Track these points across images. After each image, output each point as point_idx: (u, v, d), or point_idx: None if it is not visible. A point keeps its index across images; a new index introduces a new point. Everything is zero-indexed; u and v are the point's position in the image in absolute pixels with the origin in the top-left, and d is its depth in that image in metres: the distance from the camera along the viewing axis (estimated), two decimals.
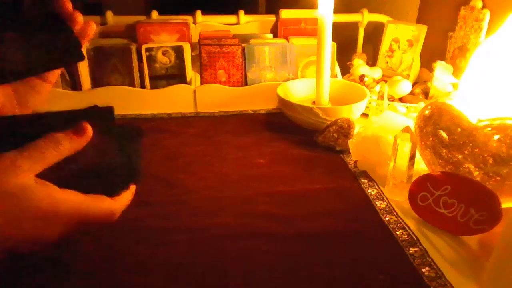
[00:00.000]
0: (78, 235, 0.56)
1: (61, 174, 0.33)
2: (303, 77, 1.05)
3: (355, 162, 0.76)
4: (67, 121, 0.34)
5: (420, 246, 0.55)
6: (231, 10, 1.15)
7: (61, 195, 0.33)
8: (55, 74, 0.39)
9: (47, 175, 0.32)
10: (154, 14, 1.11)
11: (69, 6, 0.37)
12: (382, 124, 0.75)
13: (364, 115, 0.94)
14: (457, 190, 0.56)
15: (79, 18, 0.38)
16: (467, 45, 0.99)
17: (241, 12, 1.13)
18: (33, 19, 0.35)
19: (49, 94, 0.40)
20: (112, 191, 0.37)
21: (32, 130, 0.33)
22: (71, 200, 0.33)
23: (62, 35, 0.36)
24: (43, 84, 0.39)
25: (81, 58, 0.38)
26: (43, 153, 0.32)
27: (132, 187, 0.40)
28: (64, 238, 0.35)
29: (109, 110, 0.38)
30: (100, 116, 0.37)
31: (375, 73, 1.06)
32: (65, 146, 0.33)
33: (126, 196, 0.39)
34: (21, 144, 0.32)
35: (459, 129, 0.62)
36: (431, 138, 0.65)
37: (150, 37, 1.04)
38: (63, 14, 0.37)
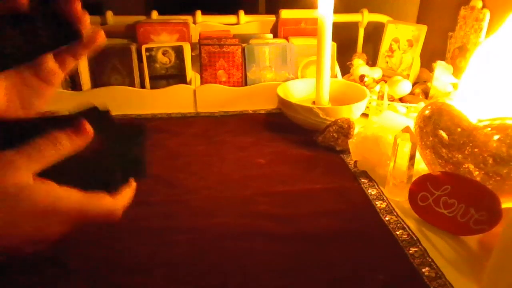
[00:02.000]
0: (78, 235, 0.57)
1: (60, 172, 0.33)
2: (303, 77, 1.05)
3: (355, 162, 0.75)
4: (66, 122, 0.33)
5: (420, 246, 0.55)
6: (231, 10, 1.15)
7: (61, 192, 0.32)
8: (58, 76, 0.39)
9: (46, 173, 0.32)
10: (154, 14, 1.11)
11: (78, 6, 0.36)
12: (382, 124, 0.75)
13: (364, 115, 0.94)
14: (457, 190, 0.56)
15: (87, 21, 0.37)
16: (467, 45, 0.99)
17: (241, 12, 1.13)
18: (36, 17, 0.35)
19: (52, 96, 0.39)
20: (112, 188, 0.37)
21: (31, 131, 0.32)
22: (71, 198, 0.33)
23: (63, 28, 0.36)
24: (46, 87, 0.39)
25: (78, 36, 0.37)
26: (42, 152, 0.31)
27: (133, 185, 0.40)
28: (64, 237, 0.34)
29: (106, 111, 0.37)
30: (99, 116, 0.37)
31: (375, 73, 1.06)
32: (64, 145, 0.32)
33: (127, 194, 0.38)
34: (20, 144, 0.31)
35: (459, 129, 0.62)
36: (431, 138, 0.65)
37: (150, 37, 1.04)
38: (71, 15, 0.36)
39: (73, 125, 0.33)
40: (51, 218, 0.32)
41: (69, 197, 0.33)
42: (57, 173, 0.33)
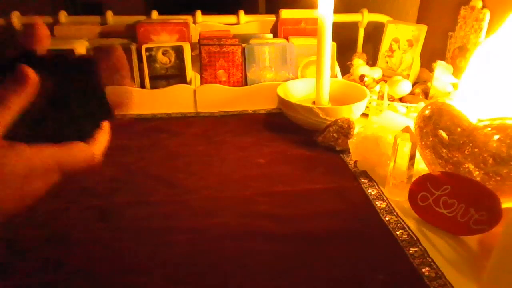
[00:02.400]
0: (78, 234, 0.57)
1: (28, 131, 0.33)
2: (303, 77, 1.05)
3: (355, 162, 0.75)
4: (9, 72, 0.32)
5: (420, 246, 0.55)
6: (231, 10, 1.15)
7: (32, 150, 0.32)
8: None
9: (14, 135, 0.32)
10: (154, 14, 1.11)
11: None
12: (382, 124, 0.75)
13: (364, 115, 0.94)
14: (457, 190, 0.56)
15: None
16: (467, 45, 0.99)
17: (241, 12, 1.13)
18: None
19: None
20: (84, 136, 0.37)
21: None
22: (45, 153, 0.33)
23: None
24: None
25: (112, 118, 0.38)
26: None
27: (106, 126, 0.39)
28: (52, 188, 0.35)
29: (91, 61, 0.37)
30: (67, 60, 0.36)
31: (375, 73, 1.06)
32: (13, 101, 0.31)
33: (103, 136, 0.38)
34: None
35: (459, 129, 0.62)
36: (431, 138, 0.65)
37: (150, 37, 1.04)
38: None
39: (16, 77, 0.32)
40: (30, 177, 0.32)
41: (41, 153, 0.33)
42: (25, 134, 0.32)
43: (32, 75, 0.32)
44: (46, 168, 0.33)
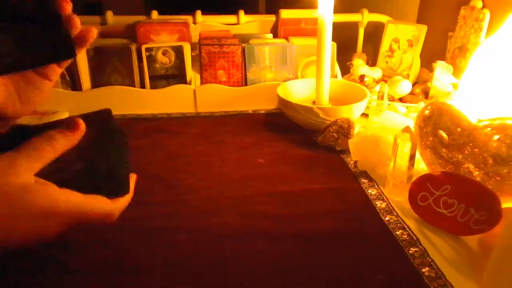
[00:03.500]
0: (77, 234, 0.57)
1: (61, 176, 0.34)
2: (303, 77, 1.05)
3: (355, 162, 0.76)
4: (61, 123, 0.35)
5: (420, 246, 0.55)
6: (231, 10, 1.15)
7: (61, 194, 0.33)
8: (56, 72, 0.39)
9: (48, 176, 0.33)
10: (154, 14, 1.11)
11: (68, 7, 0.37)
12: (382, 124, 0.75)
13: (364, 115, 0.94)
14: (457, 190, 0.56)
15: (77, 22, 0.38)
16: (467, 45, 0.99)
17: (241, 12, 1.13)
18: (24, 12, 0.35)
19: (50, 92, 0.40)
20: (111, 193, 0.37)
21: (29, 133, 0.33)
22: (71, 200, 0.34)
23: (54, 31, 0.36)
24: (43, 81, 0.39)
25: (72, 55, 0.38)
26: (39, 150, 0.32)
27: (132, 185, 0.40)
28: (62, 236, 0.35)
29: (107, 112, 0.38)
30: (99, 117, 0.37)
31: (375, 73, 1.06)
32: (59, 141, 0.33)
33: (125, 197, 0.39)
34: (19, 145, 0.32)
35: (459, 129, 0.62)
36: (431, 138, 0.65)
37: (150, 37, 1.04)
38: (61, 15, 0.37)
39: (66, 123, 0.34)
40: (49, 218, 0.33)
41: (68, 198, 0.34)
42: (58, 177, 0.33)
43: (82, 125, 0.35)
44: (66, 215, 0.34)
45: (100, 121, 0.37)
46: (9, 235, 0.32)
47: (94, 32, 0.39)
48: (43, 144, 0.33)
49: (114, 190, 0.38)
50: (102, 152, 0.37)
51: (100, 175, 0.37)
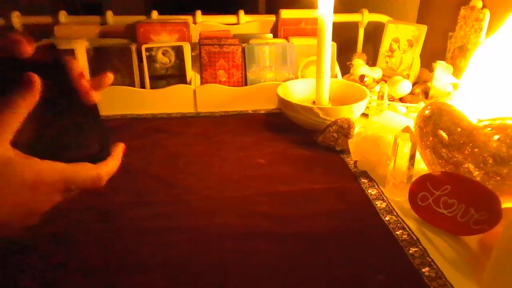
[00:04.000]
0: (78, 234, 0.57)
1: (40, 148, 0.34)
2: (303, 77, 1.05)
3: (355, 162, 0.76)
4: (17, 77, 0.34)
5: (420, 246, 0.55)
6: (231, 10, 1.15)
7: (43, 165, 0.33)
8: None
9: (27, 151, 0.33)
10: (154, 14, 1.11)
11: (84, 82, 0.37)
12: (382, 124, 0.75)
13: (364, 115, 0.94)
14: (457, 190, 0.56)
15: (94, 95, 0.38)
16: (467, 45, 0.99)
17: (241, 12, 1.13)
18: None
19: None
20: (94, 159, 0.38)
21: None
22: (54, 169, 0.34)
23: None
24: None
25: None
26: (3, 120, 0.32)
27: (119, 151, 0.40)
28: (57, 206, 0.35)
29: (54, 52, 0.37)
30: (51, 65, 0.36)
31: (375, 73, 1.06)
32: (20, 104, 0.33)
33: (113, 161, 0.39)
34: None
35: (459, 129, 0.62)
36: (431, 138, 0.65)
37: (150, 37, 1.04)
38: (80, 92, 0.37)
39: (23, 83, 0.33)
40: (37, 191, 0.33)
41: (53, 168, 0.34)
42: (39, 149, 0.33)
43: (37, 80, 0.33)
44: (53, 183, 0.34)
45: (52, 69, 0.36)
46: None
47: (110, 77, 0.40)
48: (5, 112, 0.32)
49: (97, 155, 0.38)
50: (76, 120, 0.37)
51: (80, 143, 0.37)
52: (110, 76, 0.40)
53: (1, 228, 0.32)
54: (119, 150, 0.40)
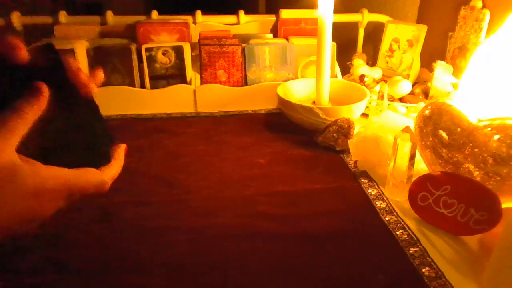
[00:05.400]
0: (78, 234, 0.57)
1: (46, 153, 0.34)
2: (303, 77, 1.05)
3: (355, 162, 0.76)
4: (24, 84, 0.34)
5: (420, 246, 0.55)
6: (231, 10, 1.15)
7: (47, 171, 0.33)
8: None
9: (31, 155, 0.33)
10: (154, 14, 1.11)
11: (82, 75, 0.37)
12: (382, 124, 0.75)
13: (364, 115, 0.94)
14: (457, 190, 0.56)
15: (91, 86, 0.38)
16: (467, 45, 0.99)
17: (241, 12, 1.13)
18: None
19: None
20: (97, 163, 0.38)
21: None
22: (58, 175, 0.34)
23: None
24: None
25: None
26: (10, 126, 0.32)
27: (121, 155, 0.40)
28: (61, 212, 0.35)
29: (55, 55, 0.36)
30: (51, 69, 0.36)
31: (375, 73, 1.06)
32: (27, 111, 0.33)
33: (115, 165, 0.39)
34: None
35: (459, 129, 0.62)
36: (431, 138, 0.65)
37: (150, 37, 1.04)
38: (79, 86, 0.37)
39: (32, 91, 0.33)
40: (41, 197, 0.33)
41: (57, 175, 0.34)
42: (43, 155, 0.33)
43: (45, 88, 0.34)
44: (57, 191, 0.34)
45: (53, 75, 0.36)
46: (2, 219, 0.31)
47: (101, 75, 0.40)
48: (12, 118, 0.32)
49: (97, 159, 0.38)
50: (79, 123, 0.37)
51: (83, 148, 0.37)
52: (101, 74, 0.40)
53: (1, 233, 0.32)
54: (121, 152, 0.41)
